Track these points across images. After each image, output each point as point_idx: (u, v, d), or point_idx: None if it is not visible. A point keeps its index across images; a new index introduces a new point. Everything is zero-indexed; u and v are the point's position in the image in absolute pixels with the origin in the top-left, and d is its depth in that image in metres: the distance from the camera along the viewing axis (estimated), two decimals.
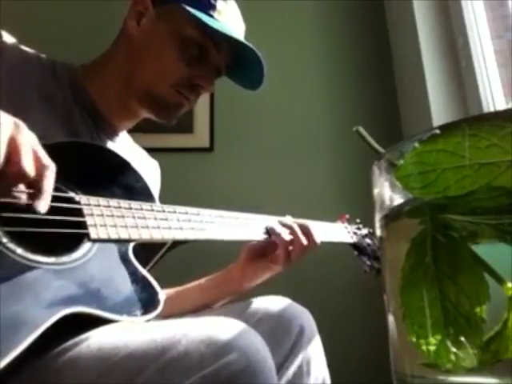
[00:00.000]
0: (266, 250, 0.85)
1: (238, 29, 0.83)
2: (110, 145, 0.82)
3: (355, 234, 1.02)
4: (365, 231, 1.05)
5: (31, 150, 0.48)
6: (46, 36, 1.45)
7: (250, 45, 0.80)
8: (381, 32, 1.64)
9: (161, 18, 0.79)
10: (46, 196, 0.50)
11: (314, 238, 0.85)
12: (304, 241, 0.83)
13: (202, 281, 0.91)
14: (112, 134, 0.83)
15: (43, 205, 0.50)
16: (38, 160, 0.49)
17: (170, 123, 0.84)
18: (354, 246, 1.01)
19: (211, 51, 0.80)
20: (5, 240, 0.51)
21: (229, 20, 0.81)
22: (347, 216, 1.05)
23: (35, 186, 0.49)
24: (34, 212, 0.50)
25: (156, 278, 0.61)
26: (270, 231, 0.82)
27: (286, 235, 0.82)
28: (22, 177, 0.47)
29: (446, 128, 0.29)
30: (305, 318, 0.78)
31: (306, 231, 0.84)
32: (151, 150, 0.99)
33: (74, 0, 1.61)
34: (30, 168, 0.47)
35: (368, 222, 1.06)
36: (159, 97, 0.79)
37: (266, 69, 0.83)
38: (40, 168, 0.49)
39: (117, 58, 0.81)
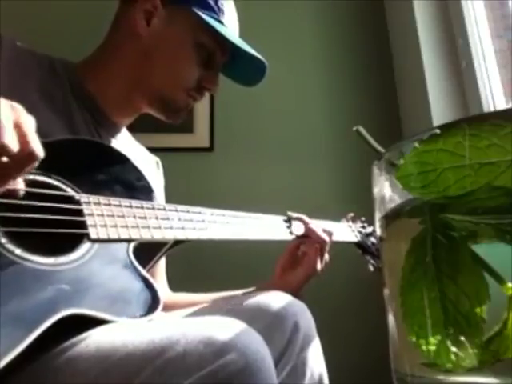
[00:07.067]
0: (297, 256, 0.89)
1: (237, 27, 0.86)
2: (111, 141, 0.81)
3: (360, 232, 1.01)
4: (369, 230, 1.03)
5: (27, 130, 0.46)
6: (45, 35, 1.45)
7: (260, 56, 0.83)
8: (381, 32, 1.64)
9: (172, 20, 0.79)
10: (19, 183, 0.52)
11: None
12: (326, 238, 0.87)
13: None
14: (112, 130, 0.83)
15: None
16: (26, 143, 0.46)
17: (176, 123, 0.86)
18: (358, 244, 1.00)
19: (217, 55, 0.83)
20: (3, 240, 0.51)
21: (232, 23, 0.83)
22: (351, 214, 1.05)
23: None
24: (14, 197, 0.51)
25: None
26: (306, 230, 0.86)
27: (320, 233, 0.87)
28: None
29: (445, 128, 0.29)
30: (301, 314, 0.73)
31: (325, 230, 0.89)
32: (151, 150, 0.98)
33: (74, 0, 1.60)
34: (14, 143, 0.44)
35: (368, 222, 1.06)
36: (172, 100, 0.81)
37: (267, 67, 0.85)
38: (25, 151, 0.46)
39: (124, 57, 0.80)
